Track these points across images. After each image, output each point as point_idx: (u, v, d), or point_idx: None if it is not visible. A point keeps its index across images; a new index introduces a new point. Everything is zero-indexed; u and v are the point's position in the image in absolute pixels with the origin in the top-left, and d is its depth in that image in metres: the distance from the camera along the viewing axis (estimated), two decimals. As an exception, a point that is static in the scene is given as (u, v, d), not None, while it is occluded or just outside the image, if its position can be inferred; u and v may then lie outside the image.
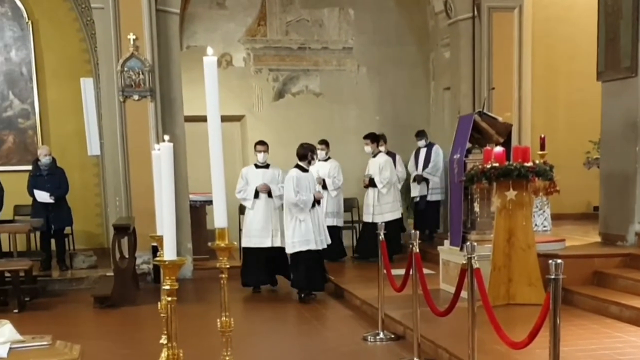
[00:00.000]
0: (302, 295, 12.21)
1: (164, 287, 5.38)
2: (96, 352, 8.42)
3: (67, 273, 14.59)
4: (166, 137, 5.78)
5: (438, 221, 16.79)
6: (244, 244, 13.27)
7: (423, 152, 16.57)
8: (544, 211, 13.53)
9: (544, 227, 13.52)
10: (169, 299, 5.32)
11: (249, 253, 13.18)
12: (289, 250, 12.32)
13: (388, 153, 15.88)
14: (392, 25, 18.47)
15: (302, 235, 12.06)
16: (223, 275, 6.68)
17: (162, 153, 5.54)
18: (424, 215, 16.37)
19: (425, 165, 16.37)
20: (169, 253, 5.27)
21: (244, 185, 13.19)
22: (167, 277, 5.32)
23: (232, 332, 6.86)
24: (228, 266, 6.65)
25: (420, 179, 16.37)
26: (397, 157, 16.36)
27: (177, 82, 15.00)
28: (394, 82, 18.48)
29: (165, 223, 5.34)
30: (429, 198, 16.38)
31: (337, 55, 18.47)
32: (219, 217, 6.53)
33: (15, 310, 11.93)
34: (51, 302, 12.86)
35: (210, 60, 6.13)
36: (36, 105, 17.13)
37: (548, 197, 12.66)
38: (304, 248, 12.07)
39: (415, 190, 16.52)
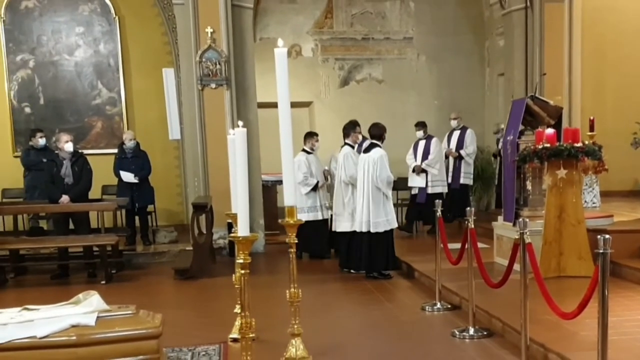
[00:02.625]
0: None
1: (238, 261, 5.42)
2: (176, 320, 8.49)
3: (150, 247, 14.73)
4: (240, 123, 5.81)
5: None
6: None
7: (422, 143, 15.66)
8: (593, 189, 13.33)
9: (593, 203, 13.33)
10: (243, 271, 5.36)
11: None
12: (381, 229, 11.51)
13: (428, 137, 15.65)
14: (449, 16, 18.40)
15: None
16: (292, 250, 6.75)
17: (236, 137, 5.58)
18: (426, 208, 14.70)
19: (424, 157, 15.48)
20: (242, 230, 5.31)
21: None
22: (241, 252, 5.35)
23: (300, 302, 6.95)
24: (296, 241, 6.73)
25: (419, 170, 15.48)
26: (435, 140, 15.64)
27: (251, 72, 15.04)
28: (451, 69, 18.40)
29: (240, 202, 5.38)
30: (429, 191, 15.46)
31: (398, 44, 18.45)
32: (288, 196, 6.58)
33: (103, 282, 12.08)
34: (135, 274, 13.01)
35: (280, 51, 6.16)
36: (122, 94, 17.36)
37: (597, 176, 12.51)
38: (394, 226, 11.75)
39: (414, 182, 15.68)
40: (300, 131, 17.04)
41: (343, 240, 12.49)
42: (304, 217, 12.85)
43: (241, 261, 5.30)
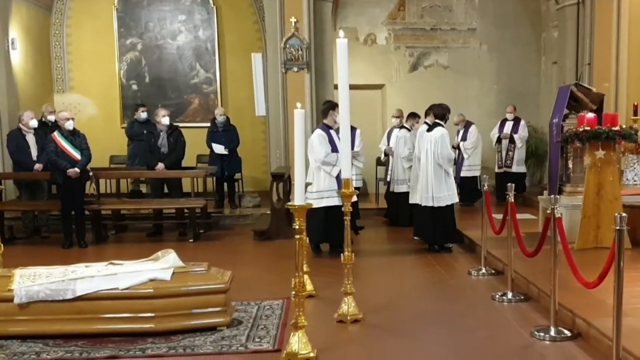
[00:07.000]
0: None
1: (294, 226, 5.41)
2: (247, 277, 8.51)
3: (236, 211, 14.85)
4: (298, 105, 5.71)
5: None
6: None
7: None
8: (634, 168, 13.06)
9: (635, 181, 13.03)
10: (298, 236, 5.36)
11: None
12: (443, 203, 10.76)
13: (467, 122, 15.69)
14: (510, 10, 18.10)
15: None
16: (346, 217, 6.71)
17: (295, 117, 5.49)
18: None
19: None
20: (298, 198, 5.29)
21: None
22: (297, 219, 5.34)
23: (353, 264, 6.93)
24: (351, 210, 6.70)
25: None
26: (473, 126, 15.68)
27: (329, 57, 15.00)
28: (510, 57, 18.10)
29: (296, 174, 5.36)
30: (462, 174, 15.40)
31: (462, 35, 18.21)
32: (344, 169, 6.53)
33: (191, 240, 12.25)
34: (221, 234, 13.13)
35: (341, 41, 6.11)
36: (217, 74, 17.56)
37: (639, 156, 12.21)
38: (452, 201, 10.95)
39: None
40: (373, 110, 17.30)
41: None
42: (403, 188, 12.93)
43: (297, 227, 5.30)
